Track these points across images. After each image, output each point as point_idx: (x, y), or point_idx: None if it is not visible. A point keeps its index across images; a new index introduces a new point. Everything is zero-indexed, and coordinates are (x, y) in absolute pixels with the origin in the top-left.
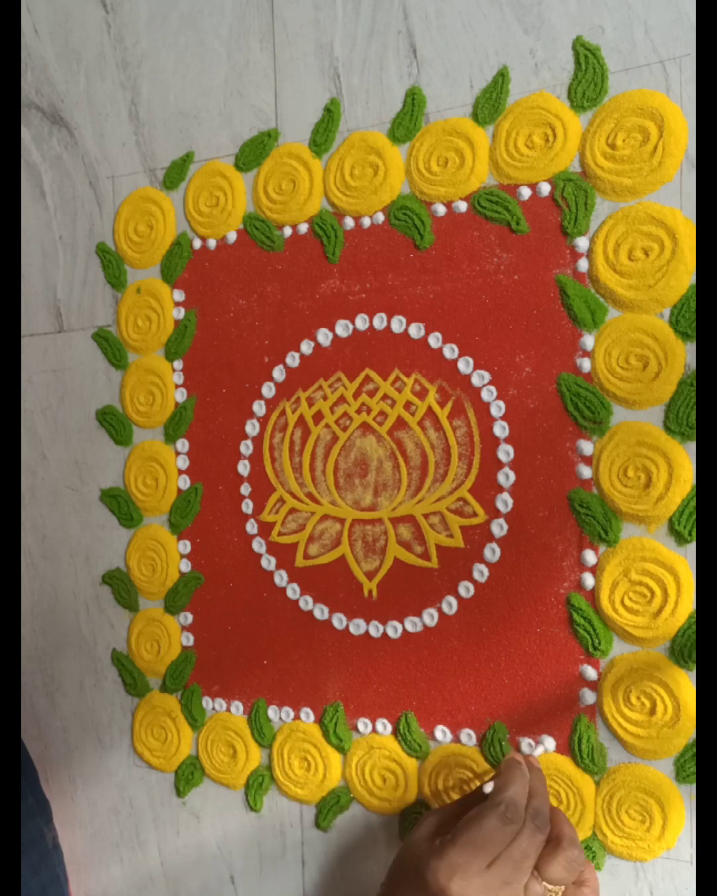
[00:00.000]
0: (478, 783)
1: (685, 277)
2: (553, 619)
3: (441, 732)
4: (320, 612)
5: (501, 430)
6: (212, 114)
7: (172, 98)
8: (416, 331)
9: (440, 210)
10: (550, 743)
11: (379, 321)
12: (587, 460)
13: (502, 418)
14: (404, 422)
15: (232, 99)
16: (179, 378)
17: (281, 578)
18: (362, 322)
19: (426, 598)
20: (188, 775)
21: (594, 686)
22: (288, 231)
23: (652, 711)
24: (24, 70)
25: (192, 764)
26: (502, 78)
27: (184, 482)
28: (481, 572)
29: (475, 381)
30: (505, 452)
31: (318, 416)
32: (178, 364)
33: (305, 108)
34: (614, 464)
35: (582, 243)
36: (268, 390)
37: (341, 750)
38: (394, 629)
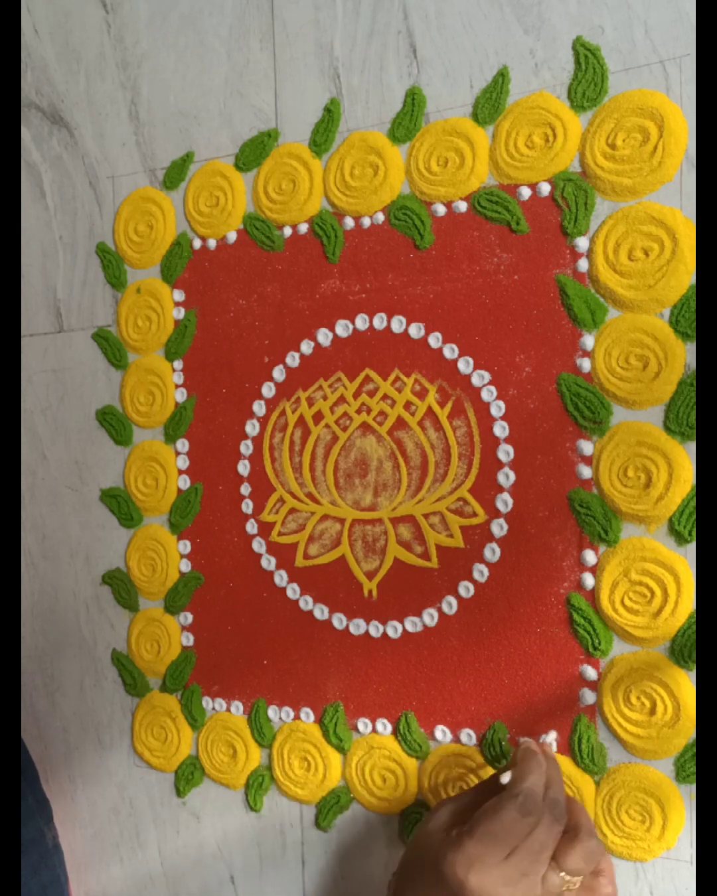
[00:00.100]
0: (476, 780)
1: (685, 277)
2: (553, 619)
3: (441, 732)
4: (320, 612)
5: (501, 430)
6: (212, 114)
7: (172, 98)
8: (416, 331)
9: (440, 210)
10: (553, 736)
11: (379, 321)
12: (587, 460)
13: (502, 418)
14: (404, 422)
15: (232, 99)
16: (179, 378)
17: (281, 578)
18: (362, 322)
19: (426, 598)
20: (188, 775)
21: (594, 686)
22: (288, 231)
23: (652, 711)
24: (24, 70)
25: (192, 764)
26: (502, 78)
27: (184, 482)
28: (481, 572)
29: (475, 381)
30: (505, 452)
31: (318, 416)
32: (178, 364)
33: (305, 108)
34: (614, 464)
35: (582, 243)
36: (268, 390)
37: (341, 750)
38: (394, 629)
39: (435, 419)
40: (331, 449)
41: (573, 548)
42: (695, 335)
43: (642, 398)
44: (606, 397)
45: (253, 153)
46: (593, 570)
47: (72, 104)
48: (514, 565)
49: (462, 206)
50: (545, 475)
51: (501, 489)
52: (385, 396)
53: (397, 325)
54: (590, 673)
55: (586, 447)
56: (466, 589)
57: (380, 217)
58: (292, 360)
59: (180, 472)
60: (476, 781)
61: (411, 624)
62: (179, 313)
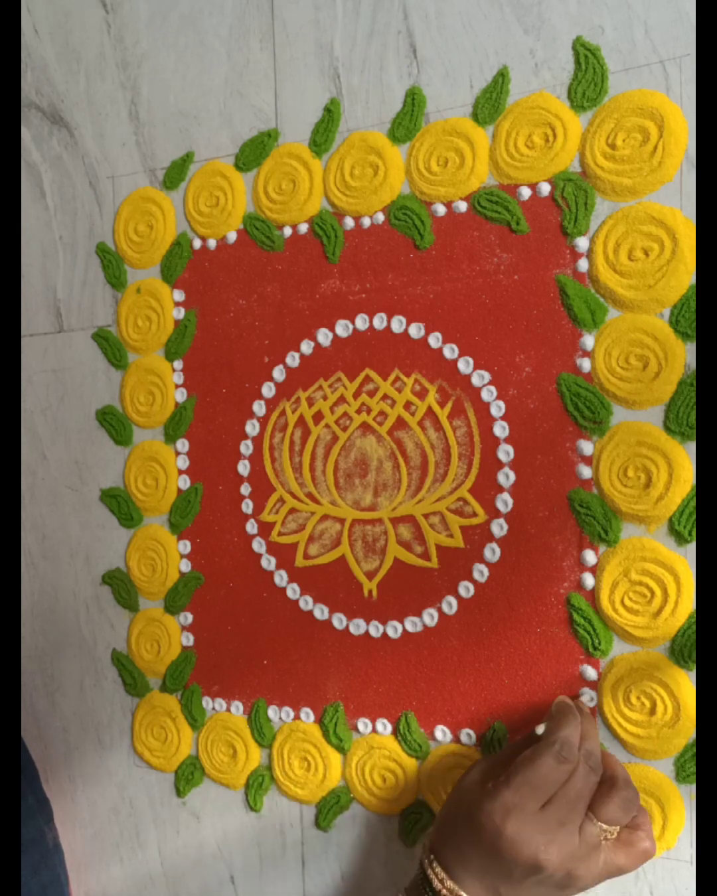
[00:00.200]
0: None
1: (685, 277)
2: (553, 619)
3: (441, 732)
4: (320, 612)
5: (501, 430)
6: (212, 114)
7: (172, 98)
8: (416, 331)
9: (440, 210)
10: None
11: (379, 321)
12: (587, 460)
13: (502, 418)
14: (404, 422)
15: (232, 99)
16: (179, 378)
17: (281, 578)
18: (362, 322)
19: (426, 598)
20: (188, 775)
21: (594, 686)
22: (288, 231)
23: (652, 711)
24: (24, 70)
25: (192, 764)
26: (502, 78)
27: (184, 482)
28: (481, 572)
29: (475, 381)
30: (505, 452)
31: (318, 416)
32: (178, 364)
33: (305, 108)
34: (614, 464)
35: (582, 243)
36: (268, 390)
37: (341, 750)
38: (394, 629)
39: (435, 419)
40: (331, 449)
41: (573, 548)
42: (695, 335)
43: (642, 398)
44: (606, 397)
45: (253, 153)
46: (593, 570)
47: (72, 104)
48: (514, 565)
49: (462, 206)
50: (545, 475)
51: (501, 489)
52: (385, 396)
53: (397, 325)
54: (590, 673)
55: (586, 447)
56: (466, 589)
57: (380, 217)
58: (292, 360)
59: (180, 472)
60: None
61: (411, 624)
62: (179, 313)
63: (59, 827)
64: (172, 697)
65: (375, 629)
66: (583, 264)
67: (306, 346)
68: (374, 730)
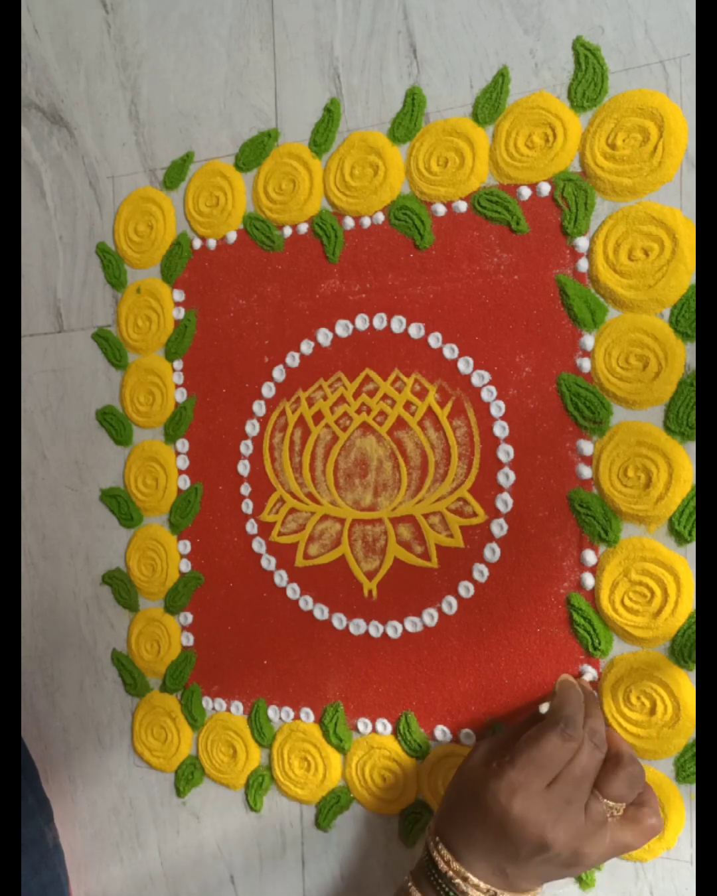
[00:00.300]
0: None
1: (685, 277)
2: (553, 619)
3: (441, 732)
4: (320, 612)
5: (501, 430)
6: (212, 114)
7: (172, 98)
8: (416, 331)
9: (440, 210)
10: (592, 673)
11: (379, 321)
12: (587, 460)
13: (502, 418)
14: (404, 422)
15: (232, 99)
16: (179, 378)
17: (281, 578)
18: (362, 322)
19: (426, 598)
20: (188, 775)
21: (595, 686)
22: (288, 231)
23: (652, 711)
24: (24, 70)
25: (192, 764)
26: (502, 78)
27: (184, 482)
28: (481, 572)
29: (475, 381)
30: (505, 452)
31: (318, 416)
32: (178, 364)
33: (305, 108)
34: (614, 464)
35: (582, 243)
36: (268, 390)
37: (341, 750)
38: (394, 629)
39: (435, 419)
40: (331, 449)
41: (573, 548)
42: (695, 335)
43: (642, 398)
44: (606, 397)
45: (253, 153)
46: (593, 570)
47: (72, 104)
48: (514, 565)
49: (462, 206)
50: (545, 475)
51: (501, 489)
52: (385, 396)
53: (397, 325)
54: (590, 673)
55: (586, 447)
56: (466, 589)
57: (380, 217)
58: (292, 360)
59: (180, 472)
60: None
61: (411, 624)
62: (179, 313)
63: (59, 827)
64: (171, 697)
65: (375, 629)
66: (583, 264)
67: (306, 346)
68: (374, 730)
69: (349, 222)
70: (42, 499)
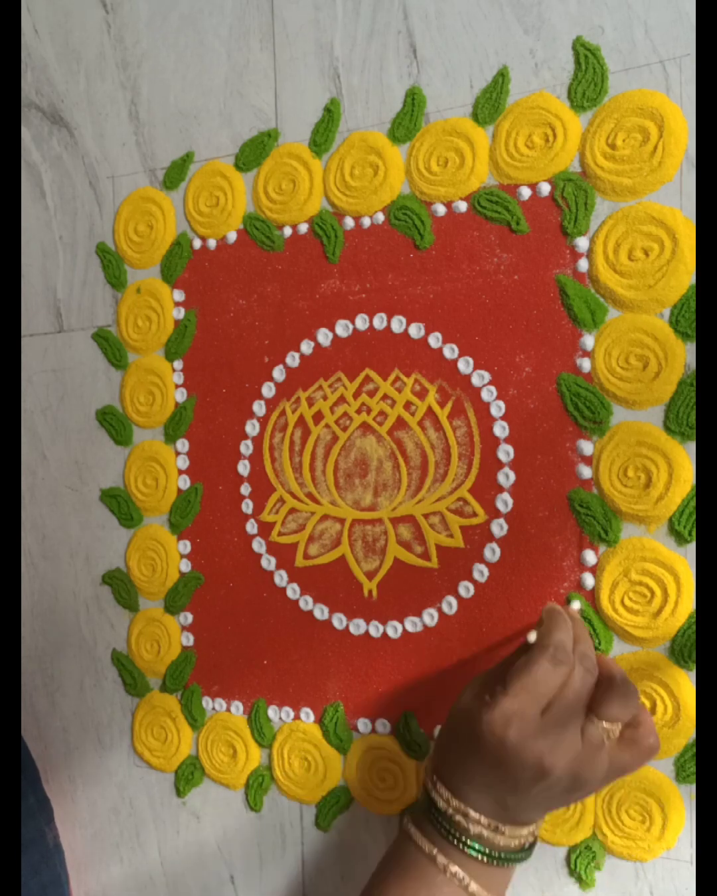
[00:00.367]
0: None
1: (685, 277)
2: None
3: None
4: (320, 612)
5: (501, 430)
6: (212, 114)
7: (172, 98)
8: (416, 331)
9: (440, 210)
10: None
11: (379, 321)
12: (587, 460)
13: (502, 418)
14: (404, 422)
15: (232, 99)
16: (179, 378)
17: (281, 578)
18: (362, 322)
19: (426, 598)
20: (188, 775)
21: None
22: (288, 231)
23: (652, 711)
24: (24, 70)
25: (192, 764)
26: (502, 78)
27: (184, 482)
28: (481, 572)
29: (475, 381)
30: (505, 452)
31: (318, 416)
32: (178, 364)
33: (305, 108)
34: (614, 464)
35: (582, 243)
36: (268, 390)
37: (341, 750)
38: (394, 629)
39: (435, 419)
40: (331, 449)
41: (573, 548)
42: (695, 335)
43: (642, 398)
44: (606, 397)
45: (253, 153)
46: (593, 570)
47: (72, 104)
48: (514, 565)
49: (462, 206)
50: (545, 475)
51: (501, 489)
52: (385, 396)
53: (397, 325)
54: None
55: (586, 447)
56: (466, 589)
57: (380, 217)
58: (292, 360)
59: (180, 472)
60: None
61: (411, 624)
62: (179, 313)
63: (59, 827)
64: (172, 697)
65: (375, 629)
66: (583, 264)
67: (306, 346)
68: (374, 730)
69: (349, 222)
70: (42, 499)
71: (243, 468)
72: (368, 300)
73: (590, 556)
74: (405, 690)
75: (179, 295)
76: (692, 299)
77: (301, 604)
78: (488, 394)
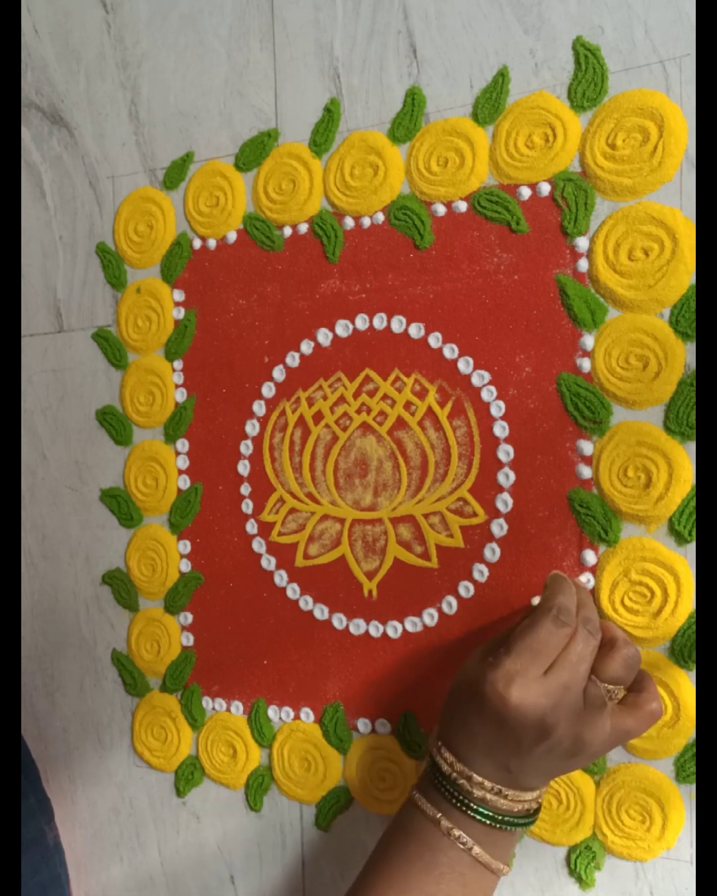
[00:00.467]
0: None
1: (685, 277)
2: None
3: None
4: (320, 612)
5: (501, 430)
6: (212, 114)
7: (172, 98)
8: (416, 331)
9: (440, 210)
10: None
11: (379, 321)
12: (587, 460)
13: (502, 418)
14: (404, 422)
15: (232, 99)
16: (179, 378)
17: (281, 578)
18: (362, 322)
19: (426, 598)
20: (188, 775)
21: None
22: (288, 231)
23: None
24: (24, 70)
25: (192, 764)
26: (502, 78)
27: (184, 482)
28: (481, 572)
29: (475, 381)
30: (505, 452)
31: (318, 416)
32: (178, 364)
33: (305, 108)
34: (614, 464)
35: (582, 243)
36: (268, 390)
37: (341, 750)
38: (394, 629)
39: (435, 419)
40: (331, 449)
41: (573, 548)
42: (695, 335)
43: (642, 398)
44: (606, 397)
45: (253, 153)
46: (593, 570)
47: (72, 104)
48: (514, 565)
49: (462, 206)
50: (545, 475)
51: (501, 489)
52: (385, 396)
53: (397, 325)
54: None
55: (587, 447)
56: (466, 589)
57: (380, 217)
58: (292, 360)
59: (180, 472)
60: None
61: (411, 624)
62: (179, 313)
63: (59, 827)
64: (172, 697)
65: (375, 629)
66: (583, 264)
67: (306, 346)
68: (374, 730)
69: (349, 222)
70: (42, 499)
71: (243, 468)
72: (368, 300)
73: (590, 556)
74: (405, 690)
75: (179, 295)
76: (692, 299)
77: (301, 604)
78: (488, 394)
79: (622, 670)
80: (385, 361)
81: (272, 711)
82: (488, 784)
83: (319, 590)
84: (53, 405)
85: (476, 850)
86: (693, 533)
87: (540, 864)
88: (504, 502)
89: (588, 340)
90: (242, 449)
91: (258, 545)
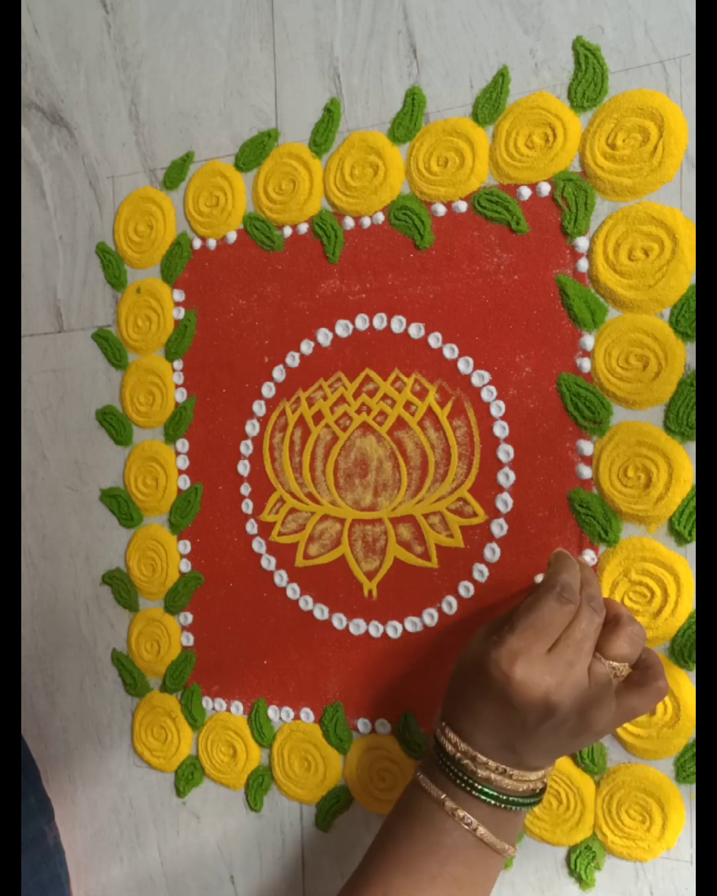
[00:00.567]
0: None
1: (685, 277)
2: None
3: None
4: (320, 612)
5: (501, 430)
6: (212, 114)
7: (172, 98)
8: (416, 331)
9: (440, 210)
10: (591, 555)
11: (379, 321)
12: (587, 460)
13: (502, 418)
14: (404, 422)
15: (232, 99)
16: (179, 378)
17: (281, 578)
18: (362, 322)
19: (426, 598)
20: (188, 775)
21: None
22: (288, 231)
23: (652, 712)
24: (24, 70)
25: (192, 764)
26: (502, 78)
27: (184, 482)
28: (481, 572)
29: (475, 381)
30: (505, 452)
31: (318, 416)
32: (178, 364)
33: (305, 108)
34: (614, 464)
35: (582, 243)
36: (268, 390)
37: (341, 750)
38: (394, 629)
39: (435, 419)
40: (331, 449)
41: (573, 548)
42: (695, 335)
43: (642, 398)
44: (606, 397)
45: (253, 153)
46: (594, 571)
47: (72, 104)
48: (514, 565)
49: (462, 206)
50: (545, 475)
51: (501, 489)
52: (385, 396)
53: (397, 325)
54: None
55: (586, 447)
56: (466, 589)
57: (380, 217)
58: (292, 360)
59: (180, 472)
60: None
61: (411, 624)
62: (179, 313)
63: (59, 826)
64: (172, 697)
65: (375, 629)
66: (583, 264)
67: (306, 346)
68: (374, 730)
69: (349, 222)
70: (42, 499)
71: (243, 468)
72: (368, 300)
73: (590, 556)
74: (405, 690)
75: (179, 295)
76: (692, 299)
77: (301, 604)
78: (488, 394)
79: (627, 647)
80: (385, 361)
81: (272, 711)
82: (492, 764)
83: (319, 590)
84: (53, 405)
85: (481, 830)
86: (693, 533)
87: (540, 864)
88: (504, 502)
89: (588, 340)
90: (242, 449)
91: (258, 545)
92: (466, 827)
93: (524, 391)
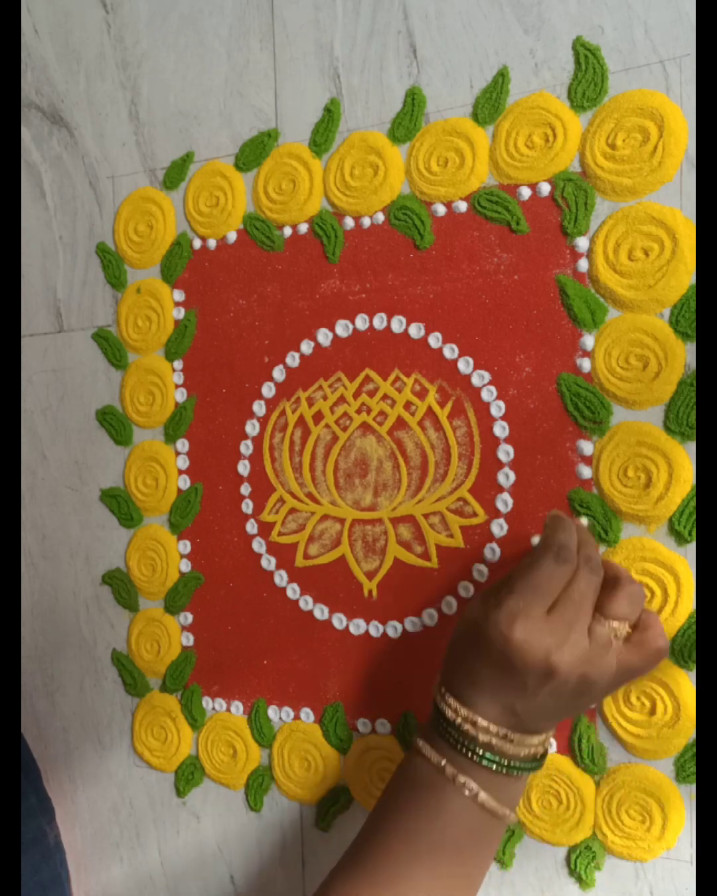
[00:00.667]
0: None
1: (685, 277)
2: None
3: None
4: (320, 612)
5: (501, 430)
6: (212, 114)
7: (172, 98)
8: (416, 331)
9: (440, 210)
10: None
11: (379, 321)
12: (587, 460)
13: (502, 418)
14: (404, 422)
15: (232, 99)
16: (179, 378)
17: (281, 578)
18: (362, 322)
19: (426, 598)
20: (188, 775)
21: None
22: (288, 231)
23: (652, 711)
24: (24, 70)
25: (192, 764)
26: (502, 78)
27: (184, 482)
28: (480, 572)
29: (475, 381)
30: (505, 452)
31: (318, 416)
32: (178, 364)
33: (305, 108)
34: (614, 464)
35: (582, 243)
36: (268, 390)
37: (341, 750)
38: (394, 629)
39: (435, 419)
40: (331, 449)
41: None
42: (695, 335)
43: (642, 398)
44: (606, 397)
45: (253, 153)
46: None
47: (72, 104)
48: (514, 565)
49: (462, 206)
50: (545, 475)
51: (501, 489)
52: (385, 396)
53: (397, 325)
54: None
55: (587, 447)
56: (466, 589)
57: (380, 217)
58: (292, 360)
59: (180, 472)
60: None
61: (411, 624)
62: (179, 313)
63: (59, 826)
64: (172, 697)
65: (375, 629)
66: (583, 264)
67: (306, 346)
68: (374, 730)
69: (349, 222)
70: (42, 499)
71: (243, 468)
72: (368, 300)
73: None
74: (405, 690)
75: (179, 295)
76: (692, 299)
77: (301, 604)
78: (488, 394)
79: (626, 607)
80: (385, 361)
81: (272, 711)
82: (493, 728)
83: (319, 590)
84: (53, 405)
85: (482, 796)
86: (693, 533)
87: (540, 864)
88: (504, 502)
89: (588, 340)
90: (242, 449)
91: (258, 545)
92: (467, 792)
93: (524, 391)
